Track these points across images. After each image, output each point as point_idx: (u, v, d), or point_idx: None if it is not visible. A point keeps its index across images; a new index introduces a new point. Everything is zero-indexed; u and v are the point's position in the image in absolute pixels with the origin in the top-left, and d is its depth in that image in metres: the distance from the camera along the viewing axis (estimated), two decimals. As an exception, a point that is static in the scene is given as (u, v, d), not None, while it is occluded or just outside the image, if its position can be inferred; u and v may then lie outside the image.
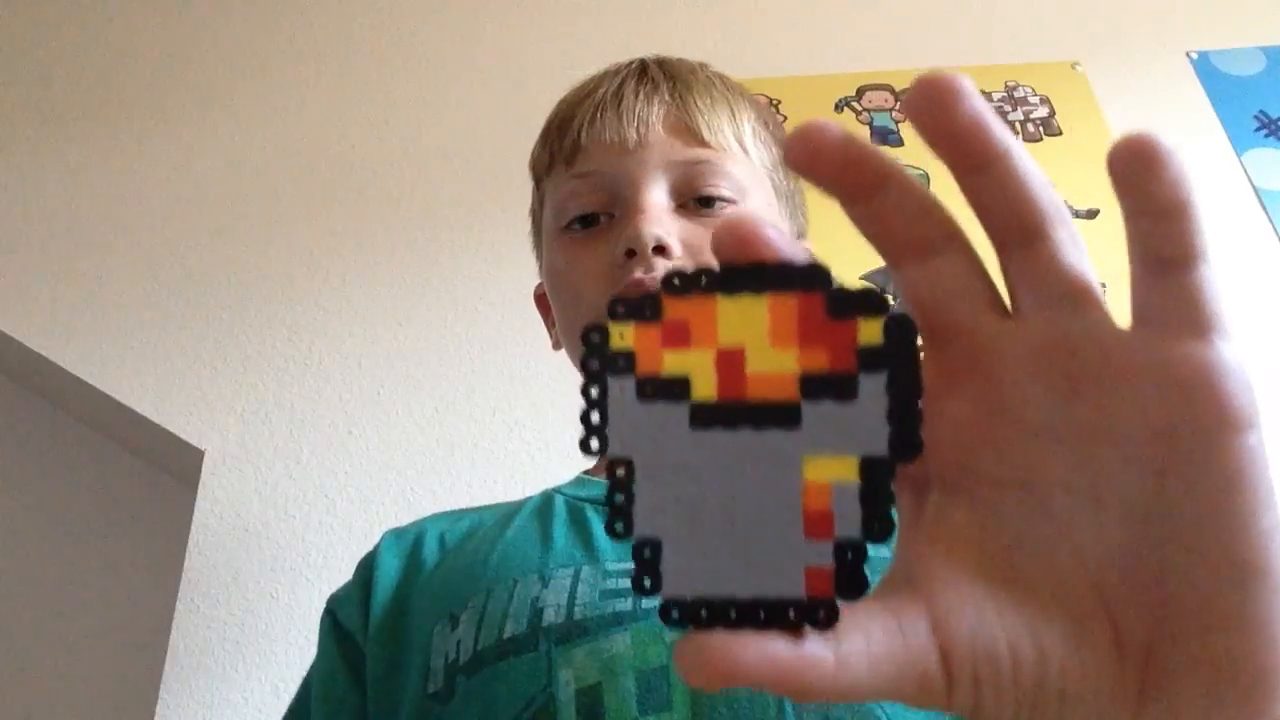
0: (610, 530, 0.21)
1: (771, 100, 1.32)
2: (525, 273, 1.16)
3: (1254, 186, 1.25)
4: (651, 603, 0.46)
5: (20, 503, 1.20)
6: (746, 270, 0.21)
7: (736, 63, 1.39)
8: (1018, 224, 0.22)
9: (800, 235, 0.64)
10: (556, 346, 0.64)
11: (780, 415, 0.21)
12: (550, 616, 0.47)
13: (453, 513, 0.64)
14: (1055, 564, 0.21)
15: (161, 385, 1.11)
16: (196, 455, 1.07)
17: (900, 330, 0.20)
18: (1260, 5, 1.43)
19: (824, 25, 1.42)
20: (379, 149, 1.30)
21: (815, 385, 0.21)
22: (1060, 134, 1.30)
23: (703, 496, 0.21)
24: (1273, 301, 1.17)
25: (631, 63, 0.61)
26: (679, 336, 0.21)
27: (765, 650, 0.19)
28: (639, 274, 0.51)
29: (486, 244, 1.21)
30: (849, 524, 0.20)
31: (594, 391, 0.21)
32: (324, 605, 0.61)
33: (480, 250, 1.21)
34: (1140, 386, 0.21)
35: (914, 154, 1.33)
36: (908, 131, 1.29)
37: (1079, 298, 0.22)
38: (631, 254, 0.52)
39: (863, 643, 0.20)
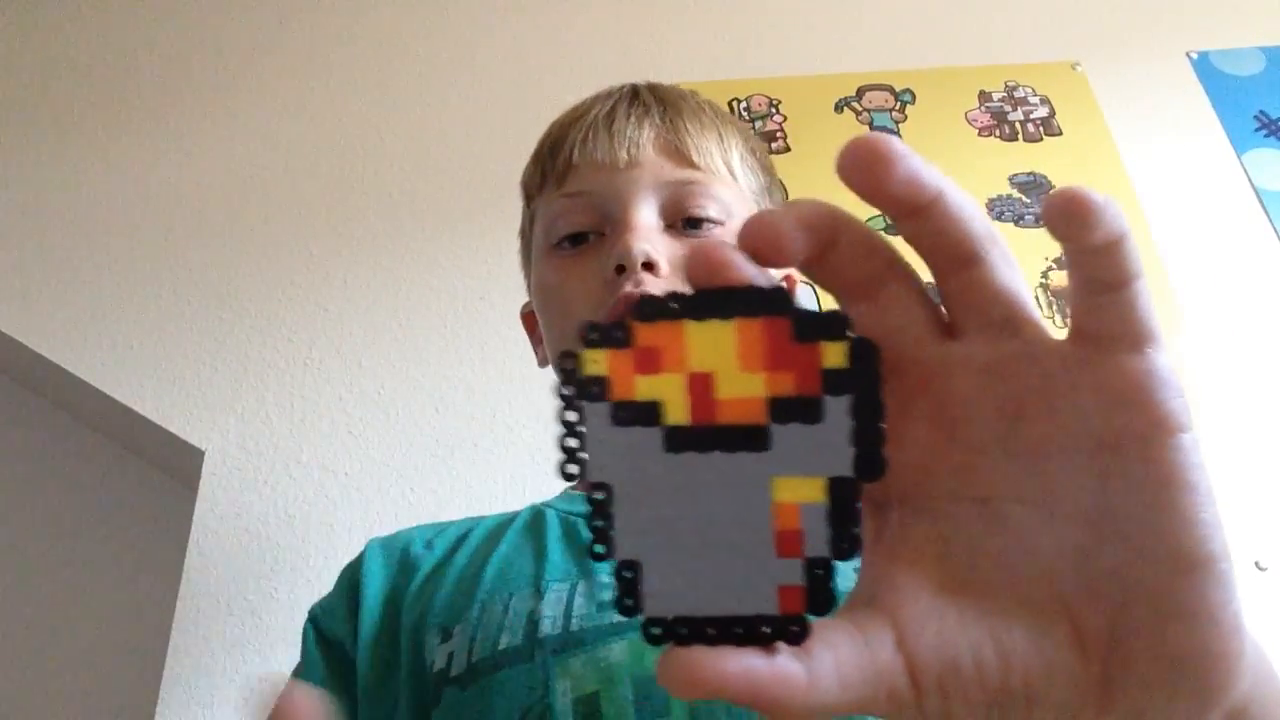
0: (592, 554, 0.22)
1: (771, 100, 1.32)
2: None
3: (1254, 186, 1.25)
4: None
5: (20, 503, 1.20)
6: (714, 295, 0.21)
7: (736, 63, 1.39)
8: (954, 254, 0.22)
9: None
10: (543, 364, 0.65)
11: (750, 438, 0.21)
12: (547, 628, 0.48)
13: (436, 524, 0.64)
14: (1013, 571, 0.22)
15: (161, 385, 1.11)
16: (196, 455, 1.07)
17: (863, 353, 0.21)
18: (1260, 5, 1.43)
19: (824, 25, 1.42)
20: (379, 149, 1.30)
21: (782, 408, 0.21)
22: (1060, 134, 1.30)
23: (679, 518, 0.21)
24: (1273, 301, 1.17)
25: (623, 87, 0.63)
26: (650, 362, 0.22)
27: (743, 664, 0.20)
28: (628, 289, 0.52)
29: (487, 244, 1.21)
30: (817, 543, 0.21)
31: (570, 417, 0.22)
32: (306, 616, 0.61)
33: (480, 250, 1.21)
34: (1080, 400, 0.22)
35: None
36: (908, 131, 1.29)
37: (1015, 318, 0.23)
38: (621, 269, 0.52)
39: (831, 660, 0.21)
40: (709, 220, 0.56)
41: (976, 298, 0.23)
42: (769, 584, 0.21)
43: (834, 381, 0.21)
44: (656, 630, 0.21)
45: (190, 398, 1.10)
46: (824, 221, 0.22)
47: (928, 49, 1.39)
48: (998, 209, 1.22)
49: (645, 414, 0.22)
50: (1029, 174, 1.25)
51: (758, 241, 0.22)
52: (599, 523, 0.21)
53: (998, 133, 1.30)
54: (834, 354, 0.21)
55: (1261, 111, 1.32)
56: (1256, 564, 0.98)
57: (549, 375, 1.14)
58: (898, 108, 1.32)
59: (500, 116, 1.31)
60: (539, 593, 0.51)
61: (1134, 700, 0.22)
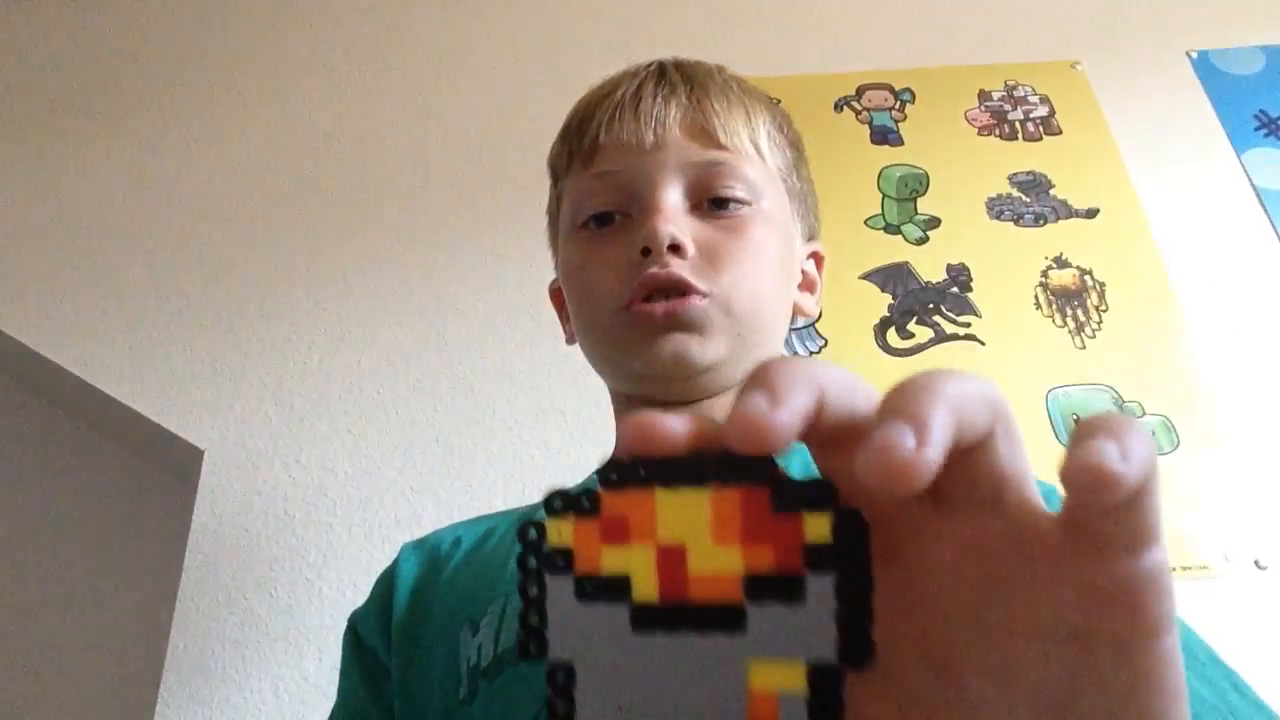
0: None
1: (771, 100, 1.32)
2: (526, 272, 1.16)
3: (1254, 186, 1.25)
4: None
5: (20, 503, 1.20)
6: (687, 461, 0.20)
7: (736, 62, 1.38)
8: (958, 444, 0.20)
9: (811, 236, 0.65)
10: (570, 341, 0.65)
11: (724, 618, 0.20)
12: None
13: (468, 520, 0.65)
14: None
15: (161, 385, 1.11)
16: (196, 455, 1.07)
17: (850, 528, 0.19)
18: (1260, 5, 1.43)
19: (824, 25, 1.42)
20: (379, 149, 1.30)
21: (760, 587, 0.20)
22: (1060, 134, 1.30)
23: (645, 704, 0.20)
24: (1273, 301, 1.17)
25: (650, 64, 0.62)
26: (618, 532, 0.20)
27: None
28: (654, 270, 0.52)
29: (486, 243, 1.21)
30: None
31: (532, 591, 0.20)
32: (346, 621, 0.62)
33: (480, 250, 1.21)
34: (1062, 593, 0.21)
35: (913, 154, 1.33)
36: (907, 131, 1.29)
37: (1003, 497, 0.21)
38: (647, 252, 0.52)
39: None
40: (735, 200, 0.55)
41: (967, 474, 0.21)
42: None
43: (817, 557, 0.19)
44: None
45: (190, 397, 1.10)
46: (812, 401, 0.19)
47: (928, 48, 1.39)
48: (998, 208, 1.22)
49: (612, 590, 0.20)
50: (1029, 173, 1.25)
51: (750, 445, 0.19)
52: (561, 707, 0.20)
53: (997, 132, 1.30)
54: (817, 526, 0.19)
55: (1261, 111, 1.32)
56: (1256, 563, 0.98)
57: (550, 374, 1.13)
58: (897, 107, 1.32)
59: (501, 116, 1.31)
60: None
61: None
